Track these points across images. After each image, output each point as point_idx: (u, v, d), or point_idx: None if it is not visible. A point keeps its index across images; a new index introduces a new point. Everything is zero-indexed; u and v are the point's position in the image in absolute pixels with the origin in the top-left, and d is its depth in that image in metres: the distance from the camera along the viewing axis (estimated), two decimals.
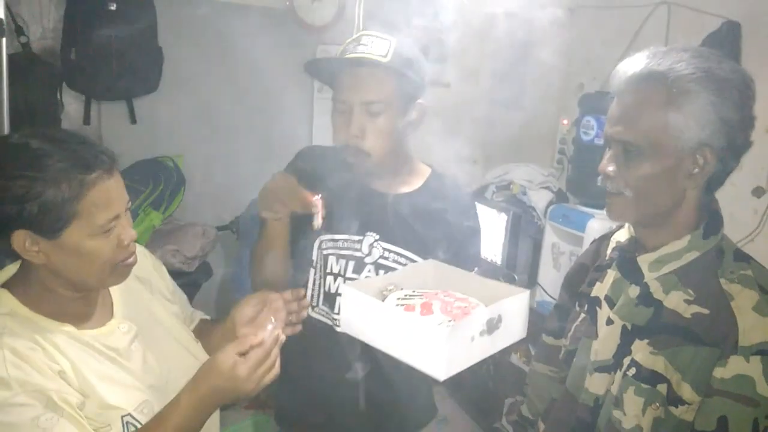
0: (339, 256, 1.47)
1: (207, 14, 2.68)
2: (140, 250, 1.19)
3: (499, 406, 2.60)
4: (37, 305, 1.04)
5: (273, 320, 1.19)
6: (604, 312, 1.17)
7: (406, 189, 1.50)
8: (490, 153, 2.97)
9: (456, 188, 1.53)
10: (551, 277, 2.41)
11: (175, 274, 2.17)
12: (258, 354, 1.08)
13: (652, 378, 1.05)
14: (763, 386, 0.97)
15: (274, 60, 2.32)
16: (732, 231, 1.17)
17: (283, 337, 1.13)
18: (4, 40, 1.94)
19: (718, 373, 1.00)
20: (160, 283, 1.29)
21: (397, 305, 1.14)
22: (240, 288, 2.53)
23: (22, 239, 0.99)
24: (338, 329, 1.17)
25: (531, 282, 2.53)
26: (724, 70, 1.01)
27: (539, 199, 2.62)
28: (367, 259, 1.45)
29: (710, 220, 1.09)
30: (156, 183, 2.64)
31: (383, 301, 1.17)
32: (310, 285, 1.49)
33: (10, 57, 2.03)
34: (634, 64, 1.05)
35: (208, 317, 1.43)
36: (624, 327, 1.12)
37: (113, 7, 2.52)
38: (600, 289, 1.20)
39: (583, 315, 1.24)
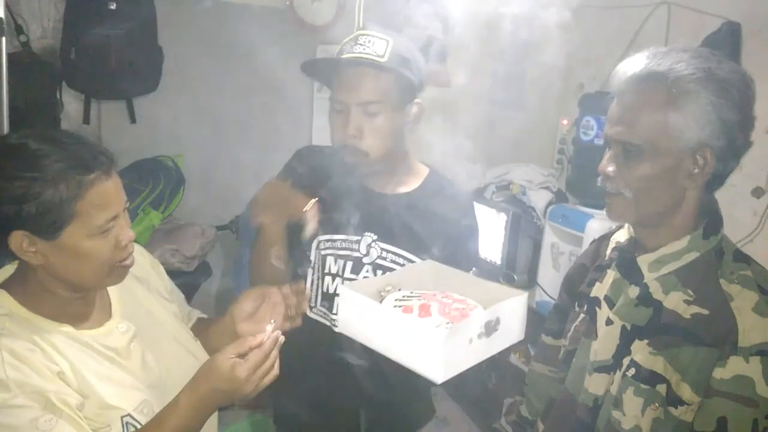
0: (337, 257, 1.47)
1: (207, 14, 2.69)
2: (138, 249, 1.19)
3: (498, 407, 2.60)
4: (35, 306, 1.04)
5: (273, 321, 1.18)
6: (603, 312, 1.17)
7: (404, 189, 1.49)
8: (490, 153, 2.96)
9: (454, 188, 1.52)
10: (551, 278, 2.41)
11: (175, 274, 2.17)
12: (257, 356, 1.08)
13: (652, 378, 1.05)
14: (762, 387, 0.97)
15: (273, 59, 2.31)
16: (732, 231, 1.17)
17: (282, 339, 1.13)
18: (3, 39, 1.93)
19: (718, 373, 1.00)
20: (158, 282, 1.29)
21: (395, 306, 1.14)
22: (240, 287, 2.53)
23: (20, 240, 0.98)
24: (336, 330, 1.17)
25: (530, 282, 2.52)
26: (724, 70, 1.01)
27: (539, 199, 2.62)
28: (365, 260, 1.45)
29: (710, 220, 1.09)
30: (155, 182, 2.64)
31: (381, 302, 1.17)
32: (308, 285, 1.49)
33: (9, 56, 2.03)
34: (634, 64, 1.05)
35: (205, 316, 1.43)
36: (623, 327, 1.12)
37: (113, 7, 2.51)
38: (599, 290, 1.20)
39: (582, 315, 1.23)
